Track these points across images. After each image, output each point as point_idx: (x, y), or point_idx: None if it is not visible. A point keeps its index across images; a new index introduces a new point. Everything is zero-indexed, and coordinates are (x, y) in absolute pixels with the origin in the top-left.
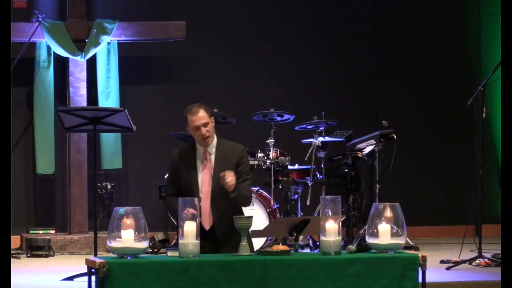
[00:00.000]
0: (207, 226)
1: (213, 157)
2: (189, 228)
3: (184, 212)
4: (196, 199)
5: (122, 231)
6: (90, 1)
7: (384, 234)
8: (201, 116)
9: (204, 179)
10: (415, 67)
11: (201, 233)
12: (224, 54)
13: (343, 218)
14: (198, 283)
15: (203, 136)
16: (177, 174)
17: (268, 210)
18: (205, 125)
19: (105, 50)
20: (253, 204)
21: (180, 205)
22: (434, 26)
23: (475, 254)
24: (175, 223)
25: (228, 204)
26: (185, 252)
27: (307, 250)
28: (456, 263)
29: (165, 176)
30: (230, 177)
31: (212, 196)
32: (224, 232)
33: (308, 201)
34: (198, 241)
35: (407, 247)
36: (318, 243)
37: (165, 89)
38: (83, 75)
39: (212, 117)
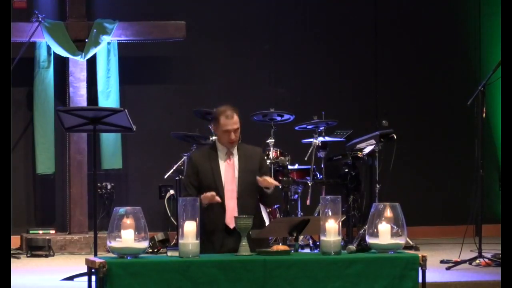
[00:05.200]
0: (231, 225)
1: (235, 157)
2: (189, 228)
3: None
4: (196, 199)
5: (122, 231)
6: (90, 1)
7: (384, 234)
8: (235, 121)
9: (227, 178)
10: (415, 67)
11: (225, 231)
12: (224, 54)
13: (343, 218)
14: (198, 283)
15: (231, 140)
16: (197, 175)
17: (268, 210)
18: (236, 130)
19: (105, 50)
20: None
21: (180, 203)
22: (434, 26)
23: (475, 254)
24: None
25: (253, 203)
26: (185, 252)
27: (307, 250)
28: (456, 263)
29: (170, 173)
30: (270, 179)
31: (238, 194)
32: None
33: (308, 201)
34: (198, 241)
35: (407, 247)
36: (318, 243)
37: (165, 89)
38: (83, 75)
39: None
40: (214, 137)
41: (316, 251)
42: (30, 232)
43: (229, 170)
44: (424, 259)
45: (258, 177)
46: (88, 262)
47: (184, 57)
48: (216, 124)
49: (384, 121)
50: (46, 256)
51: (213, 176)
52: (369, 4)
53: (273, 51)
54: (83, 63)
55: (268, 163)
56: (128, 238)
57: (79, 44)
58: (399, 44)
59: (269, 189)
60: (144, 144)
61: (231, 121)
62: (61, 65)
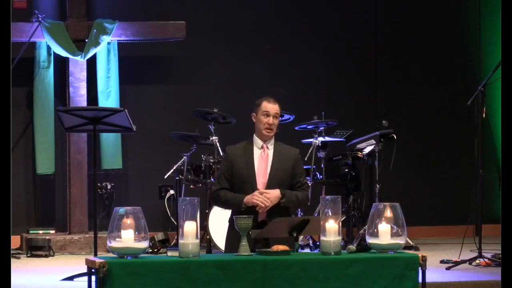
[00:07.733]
0: (259, 217)
1: (271, 152)
2: (189, 228)
3: (254, 198)
4: (196, 199)
5: (122, 231)
6: (90, 1)
7: (384, 234)
8: (277, 107)
9: (259, 171)
10: (415, 67)
11: (253, 224)
12: (224, 54)
13: (343, 218)
14: (198, 283)
15: (269, 125)
16: (231, 169)
17: None
18: (275, 116)
19: (105, 50)
20: None
21: (180, 203)
22: (434, 26)
23: (475, 254)
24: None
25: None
26: (185, 252)
27: (307, 250)
28: (456, 263)
29: (170, 173)
30: (266, 197)
31: (267, 188)
32: None
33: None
34: (198, 241)
35: (407, 247)
36: (318, 243)
37: (165, 89)
38: (83, 75)
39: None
40: (214, 137)
41: (316, 251)
42: (30, 232)
43: (262, 163)
44: (424, 259)
45: (257, 191)
46: (88, 262)
47: (184, 57)
48: (257, 109)
49: (384, 121)
50: (46, 256)
51: (247, 168)
52: (369, 4)
53: (273, 51)
54: (83, 63)
55: (302, 165)
56: (128, 238)
57: (79, 44)
58: (399, 44)
59: (281, 200)
60: (144, 144)
61: (273, 105)
62: (61, 65)
